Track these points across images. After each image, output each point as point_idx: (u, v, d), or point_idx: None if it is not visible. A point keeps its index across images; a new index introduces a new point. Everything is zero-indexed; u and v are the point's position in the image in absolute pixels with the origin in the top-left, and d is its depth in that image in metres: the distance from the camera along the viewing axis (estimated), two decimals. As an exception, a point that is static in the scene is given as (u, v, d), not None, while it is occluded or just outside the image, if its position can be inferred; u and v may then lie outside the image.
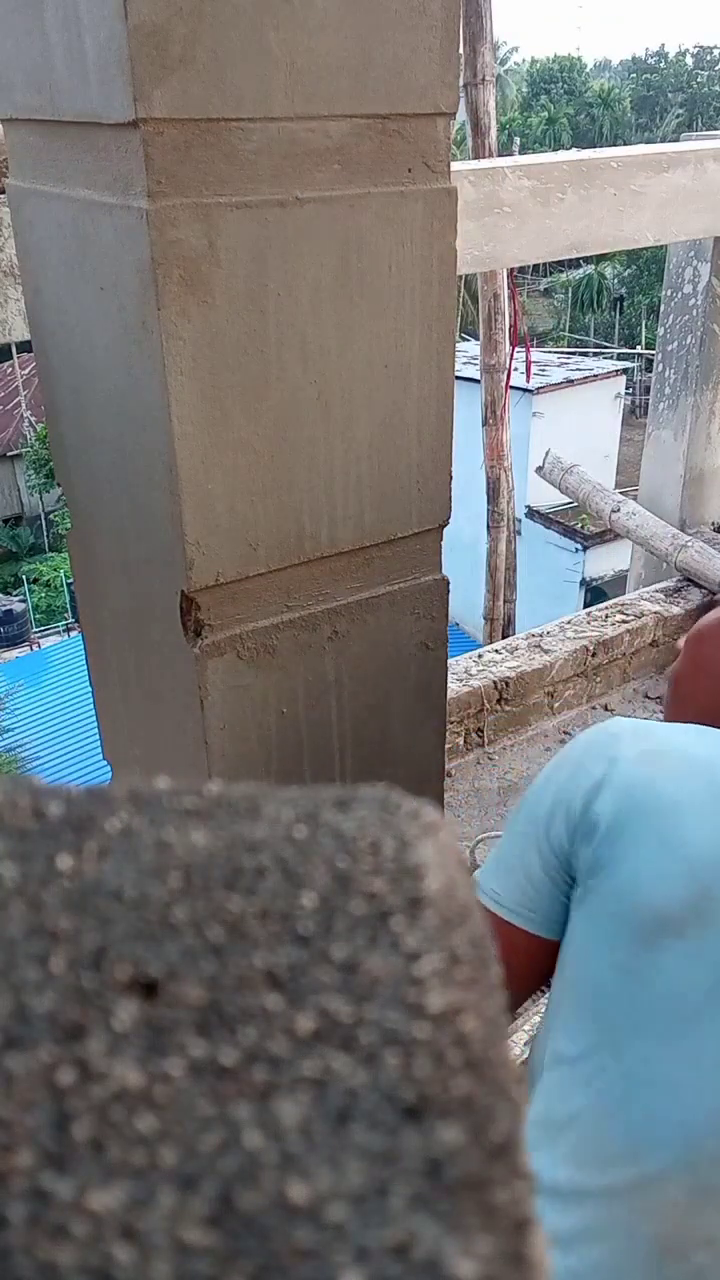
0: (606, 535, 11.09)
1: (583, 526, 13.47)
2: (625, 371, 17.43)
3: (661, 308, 3.38)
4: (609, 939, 0.85)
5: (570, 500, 4.19)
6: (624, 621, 3.05)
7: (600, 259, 25.98)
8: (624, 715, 2.96)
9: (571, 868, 0.89)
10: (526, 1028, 2.01)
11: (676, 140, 3.09)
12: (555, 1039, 0.89)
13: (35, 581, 17.35)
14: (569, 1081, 0.87)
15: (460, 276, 1.78)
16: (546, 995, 0.95)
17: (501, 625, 5.42)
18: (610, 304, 28.61)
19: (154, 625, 1.03)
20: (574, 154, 2.71)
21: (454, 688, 2.65)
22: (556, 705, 2.91)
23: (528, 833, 0.92)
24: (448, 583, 1.12)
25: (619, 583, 9.01)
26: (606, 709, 3.03)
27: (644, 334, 24.80)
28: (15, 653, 14.76)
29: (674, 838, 0.83)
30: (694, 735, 0.92)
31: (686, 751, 0.89)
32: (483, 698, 2.71)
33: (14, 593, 17.24)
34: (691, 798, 0.85)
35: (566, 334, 27.31)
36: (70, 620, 15.60)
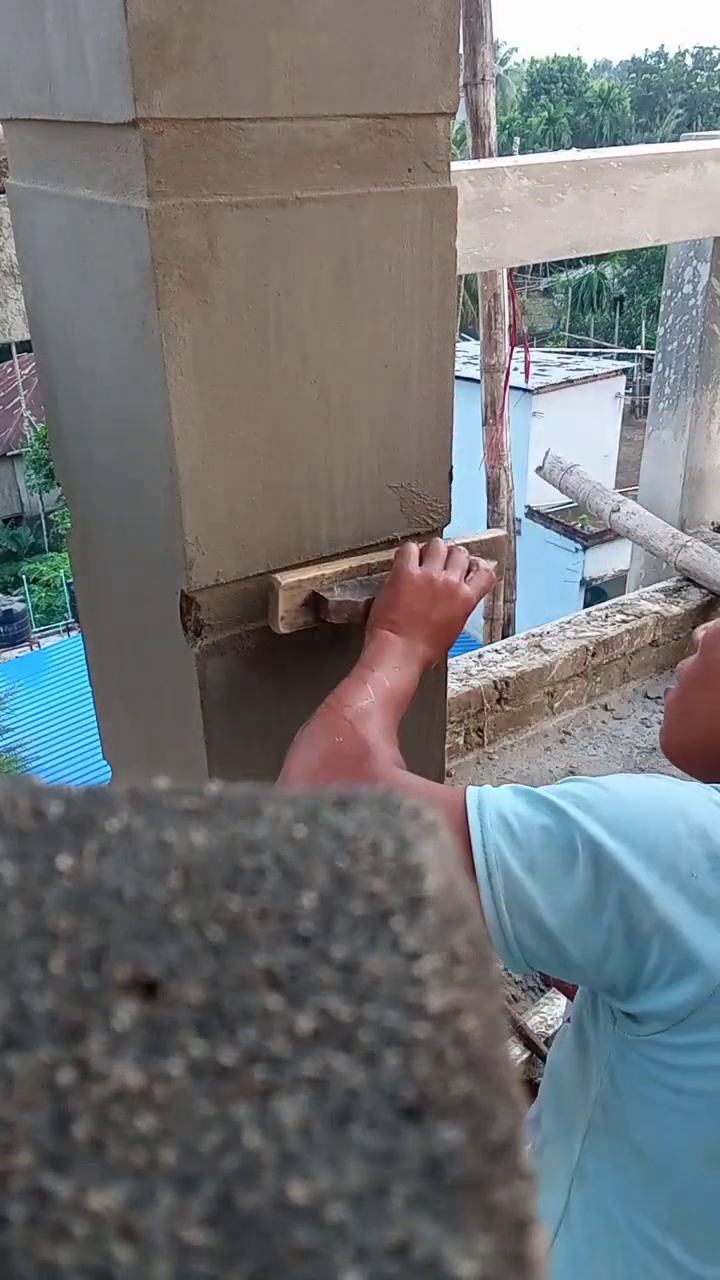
0: (606, 535, 11.09)
1: (583, 526, 13.47)
2: (625, 371, 17.43)
3: (661, 308, 3.38)
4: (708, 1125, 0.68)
5: (570, 500, 4.18)
6: (624, 621, 3.05)
7: (600, 259, 25.97)
8: (624, 715, 2.96)
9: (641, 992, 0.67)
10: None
11: (676, 140, 3.09)
12: (673, 1248, 0.74)
13: (35, 581, 17.34)
14: None
15: (460, 276, 1.78)
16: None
17: (501, 625, 5.41)
18: (610, 304, 28.59)
19: (154, 625, 1.03)
20: (574, 154, 2.71)
21: (454, 688, 2.65)
22: (556, 705, 2.91)
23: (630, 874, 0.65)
24: (448, 583, 1.12)
25: (619, 583, 9.01)
26: (606, 709, 3.03)
27: (644, 334, 24.79)
28: (15, 653, 14.75)
29: None
30: None
31: None
32: (482, 698, 2.71)
33: (14, 593, 17.23)
34: None
35: (566, 334, 27.31)
36: (70, 620, 15.59)
